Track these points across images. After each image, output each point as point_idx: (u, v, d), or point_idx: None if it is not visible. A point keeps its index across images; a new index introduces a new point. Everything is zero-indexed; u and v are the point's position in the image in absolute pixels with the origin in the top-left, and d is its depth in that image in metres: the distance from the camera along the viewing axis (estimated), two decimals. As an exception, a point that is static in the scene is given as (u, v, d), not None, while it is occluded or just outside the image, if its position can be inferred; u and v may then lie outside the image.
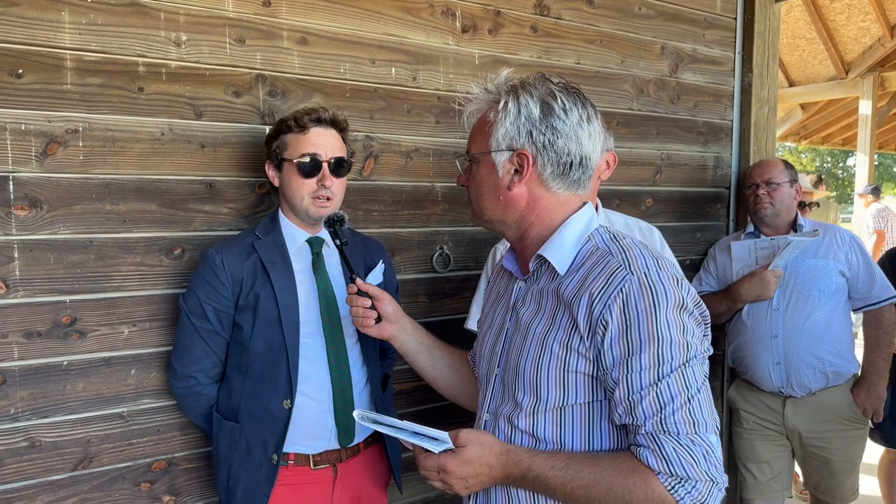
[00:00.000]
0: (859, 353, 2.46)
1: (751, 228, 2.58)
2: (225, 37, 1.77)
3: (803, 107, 8.82)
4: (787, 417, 2.45)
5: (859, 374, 2.49)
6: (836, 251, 2.43)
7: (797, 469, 2.67)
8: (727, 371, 2.95)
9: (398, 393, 2.09)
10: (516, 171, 1.16)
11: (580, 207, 1.20)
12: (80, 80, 1.61)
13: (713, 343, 2.86)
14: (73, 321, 1.64)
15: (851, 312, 2.49)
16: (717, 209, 2.88)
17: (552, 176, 1.15)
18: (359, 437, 1.68)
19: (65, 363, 1.64)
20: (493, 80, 1.19)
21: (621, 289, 1.05)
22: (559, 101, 1.13)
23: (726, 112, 2.83)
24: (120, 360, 1.70)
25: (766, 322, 2.45)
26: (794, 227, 2.50)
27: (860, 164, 7.85)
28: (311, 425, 1.61)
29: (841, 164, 26.37)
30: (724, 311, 2.56)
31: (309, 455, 1.63)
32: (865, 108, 7.62)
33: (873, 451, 3.02)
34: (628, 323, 1.04)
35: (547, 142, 1.13)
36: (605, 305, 1.05)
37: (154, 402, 1.75)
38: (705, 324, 1.12)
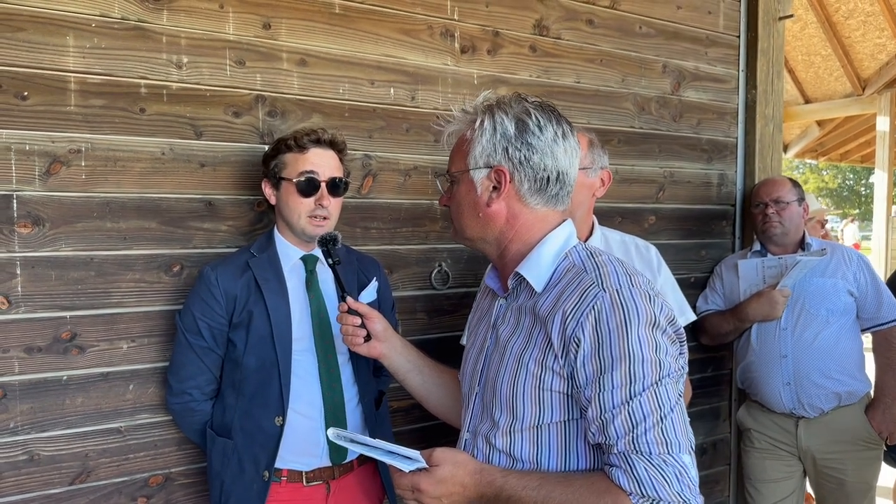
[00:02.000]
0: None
1: (757, 247, 2.56)
2: (225, 59, 1.81)
3: (820, 124, 8.74)
4: (801, 439, 2.41)
5: (873, 394, 2.44)
6: (845, 270, 2.41)
7: (809, 490, 2.61)
8: (735, 391, 2.90)
9: (395, 410, 2.09)
10: (494, 187, 1.17)
11: (559, 223, 1.21)
12: (83, 101, 1.66)
13: (720, 363, 2.86)
14: (73, 336, 1.67)
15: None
16: (722, 227, 2.86)
17: (530, 191, 1.16)
18: (352, 455, 1.68)
19: (64, 378, 1.67)
20: (472, 102, 1.21)
21: (593, 306, 1.05)
22: (533, 118, 1.15)
23: (730, 129, 2.82)
24: (118, 375, 1.73)
25: (775, 342, 2.42)
26: (801, 245, 2.48)
27: (878, 182, 7.74)
28: (302, 442, 1.62)
29: (864, 181, 26.00)
30: (732, 331, 2.53)
31: (302, 472, 1.63)
32: (883, 124, 7.54)
33: (888, 474, 2.95)
34: (600, 341, 1.04)
35: (523, 158, 1.14)
36: (577, 323, 1.05)
37: (151, 417, 1.77)
38: (680, 342, 1.11)
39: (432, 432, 2.15)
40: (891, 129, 7.43)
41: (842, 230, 16.07)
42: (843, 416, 2.38)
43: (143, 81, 1.72)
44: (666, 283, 2.02)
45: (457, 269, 2.20)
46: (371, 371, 1.77)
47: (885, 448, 2.47)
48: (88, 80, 1.66)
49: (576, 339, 1.05)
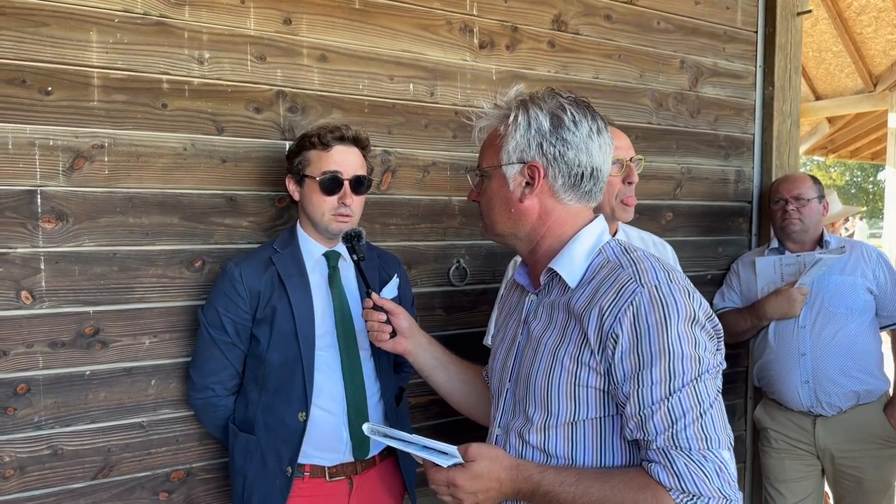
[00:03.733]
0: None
1: (775, 244, 2.54)
2: (246, 54, 1.81)
3: (830, 120, 8.68)
4: (818, 437, 2.40)
5: (891, 392, 2.43)
6: (864, 268, 2.39)
7: (826, 489, 2.60)
8: (751, 389, 2.89)
9: (414, 406, 2.09)
10: (527, 183, 1.16)
11: (592, 219, 1.20)
12: (106, 97, 1.66)
13: (736, 360, 2.84)
14: (97, 332, 1.68)
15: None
16: (739, 223, 2.84)
17: (563, 187, 1.15)
18: (374, 450, 1.68)
19: (87, 373, 1.67)
20: (504, 96, 1.20)
21: (632, 302, 1.04)
22: (569, 113, 1.14)
23: (748, 126, 2.81)
24: (141, 370, 1.73)
25: (794, 340, 2.40)
26: (820, 242, 2.46)
27: (890, 179, 7.69)
28: (325, 438, 1.62)
29: (871, 179, 25.85)
30: (749, 329, 2.52)
31: (325, 467, 1.63)
32: (895, 121, 7.48)
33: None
34: (639, 336, 1.03)
35: (557, 153, 1.13)
36: (615, 318, 1.05)
37: (173, 412, 1.77)
38: (718, 337, 1.11)
39: (451, 428, 2.15)
40: (903, 126, 7.37)
41: (846, 228, 15.93)
42: (861, 415, 2.36)
43: (165, 77, 1.72)
44: None
45: (475, 265, 2.19)
46: (392, 367, 1.77)
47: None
48: (111, 76, 1.66)
49: (613, 335, 1.05)
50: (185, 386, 1.76)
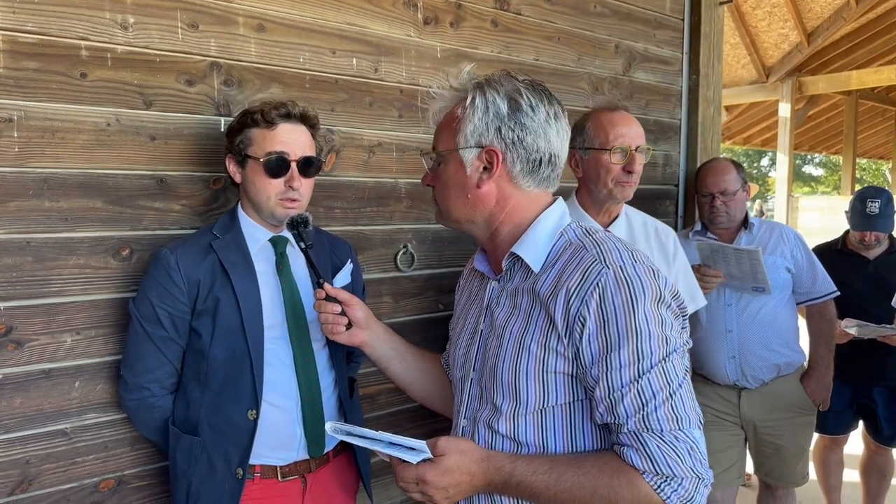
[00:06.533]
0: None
1: (699, 227, 2.63)
2: (177, 21, 1.64)
3: (727, 109, 9.23)
4: (743, 409, 2.53)
5: (807, 365, 2.59)
6: (783, 248, 2.52)
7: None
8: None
9: (361, 398, 2.01)
10: (485, 168, 1.13)
11: (551, 203, 1.19)
12: (14, 63, 1.45)
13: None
14: (9, 330, 1.48)
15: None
16: (666, 206, 2.93)
17: (522, 173, 1.13)
18: (328, 446, 1.60)
19: (-1, 377, 1.48)
20: (457, 76, 1.16)
21: (597, 283, 1.03)
22: (525, 97, 1.11)
23: (675, 111, 2.89)
24: (62, 371, 1.55)
25: (721, 317, 2.50)
26: (745, 224, 2.57)
27: (780, 164, 8.28)
28: (278, 436, 1.52)
29: (755, 164, 27.84)
30: None
31: (276, 467, 1.53)
32: (784, 111, 8.04)
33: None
34: (606, 318, 1.02)
35: (516, 138, 1.11)
36: (581, 301, 1.03)
37: (101, 416, 1.61)
38: (683, 316, 1.12)
39: (401, 418, 2.09)
40: (791, 115, 7.94)
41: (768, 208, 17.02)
42: (781, 386, 2.51)
43: (83, 43, 1.53)
44: (680, 269, 2.02)
45: (422, 250, 2.13)
46: (345, 357, 1.68)
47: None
48: (20, 39, 1.46)
49: (581, 318, 1.03)
50: (114, 387, 1.60)
